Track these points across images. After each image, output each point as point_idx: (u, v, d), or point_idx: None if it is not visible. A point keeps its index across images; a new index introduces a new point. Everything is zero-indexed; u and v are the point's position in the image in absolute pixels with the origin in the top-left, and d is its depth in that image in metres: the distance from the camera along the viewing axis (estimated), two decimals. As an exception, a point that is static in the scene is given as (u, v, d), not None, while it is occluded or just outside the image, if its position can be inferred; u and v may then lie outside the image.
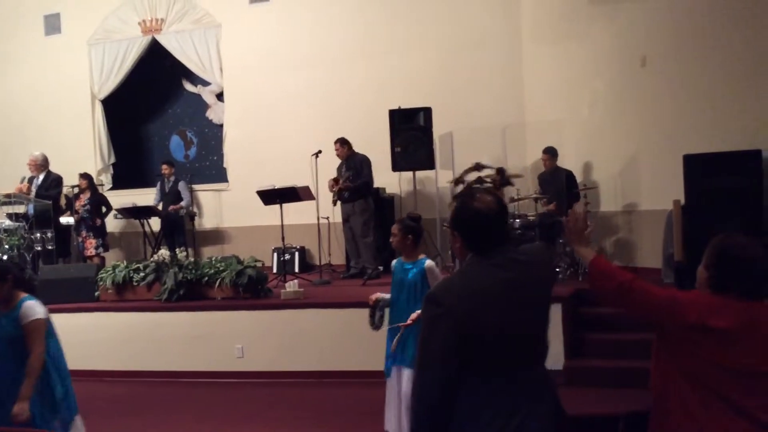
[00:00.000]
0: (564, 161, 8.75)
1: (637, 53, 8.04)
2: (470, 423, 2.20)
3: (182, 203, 10.27)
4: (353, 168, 8.70)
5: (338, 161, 8.86)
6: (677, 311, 2.51)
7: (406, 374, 4.35)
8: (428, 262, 4.51)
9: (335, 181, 8.68)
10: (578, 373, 6.13)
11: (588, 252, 2.72)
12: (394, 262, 4.72)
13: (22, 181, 9.35)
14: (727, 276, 2.52)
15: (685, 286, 5.56)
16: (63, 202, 10.18)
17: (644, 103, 8.01)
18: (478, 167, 2.91)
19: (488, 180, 2.56)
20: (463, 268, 2.33)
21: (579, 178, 8.77)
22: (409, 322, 4.25)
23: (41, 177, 9.22)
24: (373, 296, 4.66)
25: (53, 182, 9.21)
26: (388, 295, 4.63)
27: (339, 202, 8.76)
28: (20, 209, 8.89)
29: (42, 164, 9.25)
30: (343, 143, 8.85)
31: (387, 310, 4.65)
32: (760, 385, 2.45)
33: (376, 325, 4.64)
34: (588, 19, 8.71)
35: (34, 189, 9.08)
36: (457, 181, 2.84)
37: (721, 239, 2.60)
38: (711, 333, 2.45)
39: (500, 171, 2.63)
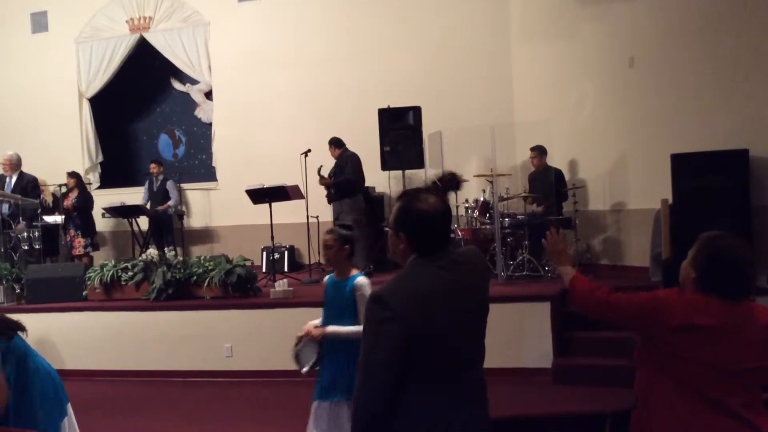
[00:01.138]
0: (552, 160, 8.78)
1: (626, 53, 8.08)
2: (411, 427, 2.15)
3: (170, 202, 10.23)
4: (338, 166, 8.69)
5: (329, 159, 8.85)
6: (662, 312, 2.52)
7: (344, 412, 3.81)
8: (361, 278, 3.95)
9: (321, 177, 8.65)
10: (566, 371, 6.16)
11: (568, 271, 2.76)
12: (325, 279, 4.21)
13: None
14: (718, 278, 2.53)
15: (672, 284, 5.59)
16: (50, 200, 10.13)
17: (632, 102, 8.05)
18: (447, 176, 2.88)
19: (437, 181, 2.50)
20: (408, 270, 2.26)
21: (567, 177, 8.81)
22: (314, 332, 3.89)
23: (14, 177, 9.15)
24: (306, 327, 4.04)
25: (29, 184, 9.15)
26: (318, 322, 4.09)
27: (336, 203, 8.72)
28: None
29: (17, 163, 9.20)
30: (332, 144, 8.84)
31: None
32: (742, 382, 2.48)
33: (301, 364, 4.06)
34: (576, 19, 8.75)
35: (8, 189, 9.00)
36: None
37: (710, 239, 2.60)
38: (696, 331, 2.46)
39: (452, 174, 2.58)
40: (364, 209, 8.83)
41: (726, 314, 2.48)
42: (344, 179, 8.60)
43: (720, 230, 2.66)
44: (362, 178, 8.85)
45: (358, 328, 3.41)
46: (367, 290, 3.85)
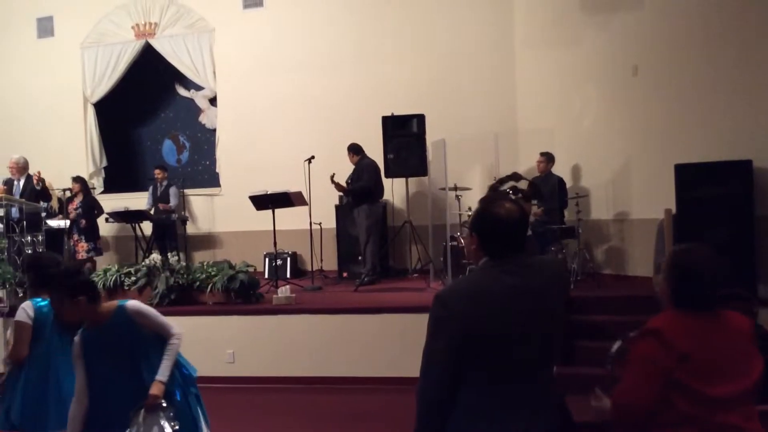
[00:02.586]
0: (555, 168, 8.78)
1: (629, 62, 8.10)
2: (467, 428, 2.23)
3: (169, 205, 10.21)
4: (356, 172, 8.76)
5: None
6: (655, 365, 2.48)
7: None
8: (129, 304, 3.53)
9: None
10: (570, 380, 6.13)
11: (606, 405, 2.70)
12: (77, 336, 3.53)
13: (5, 183, 9.33)
14: (691, 293, 2.54)
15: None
16: (56, 205, 10.15)
17: (636, 111, 8.06)
18: (516, 177, 2.95)
19: (518, 191, 2.59)
20: (475, 271, 2.38)
21: (570, 185, 8.81)
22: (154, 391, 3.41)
23: (22, 180, 9.18)
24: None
25: (39, 185, 9.16)
26: None
27: (355, 209, 8.80)
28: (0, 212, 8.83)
29: (24, 167, 9.23)
30: (350, 150, 8.95)
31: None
32: (740, 401, 2.48)
33: None
34: (580, 27, 8.76)
35: (16, 193, 9.03)
36: (493, 187, 2.88)
37: (678, 255, 2.61)
38: (686, 365, 2.47)
39: (532, 184, 2.66)
40: (381, 215, 8.87)
41: (705, 333, 2.49)
42: (359, 187, 8.67)
43: (690, 243, 2.67)
44: (380, 185, 8.91)
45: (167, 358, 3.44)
46: (144, 309, 3.53)
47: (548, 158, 8.69)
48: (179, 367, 3.76)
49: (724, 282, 2.57)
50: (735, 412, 2.45)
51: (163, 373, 3.48)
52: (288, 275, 9.71)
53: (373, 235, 8.67)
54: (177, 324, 3.66)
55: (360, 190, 8.70)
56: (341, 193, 9.05)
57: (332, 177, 8.61)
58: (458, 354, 2.20)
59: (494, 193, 2.56)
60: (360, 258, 8.91)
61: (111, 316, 3.46)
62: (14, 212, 8.61)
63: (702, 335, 2.49)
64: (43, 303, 3.82)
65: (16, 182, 9.21)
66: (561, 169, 8.85)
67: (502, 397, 2.23)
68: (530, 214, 5.72)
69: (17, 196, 8.93)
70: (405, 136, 8.93)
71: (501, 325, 2.22)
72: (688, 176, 6.85)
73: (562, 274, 2.55)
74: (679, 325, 2.51)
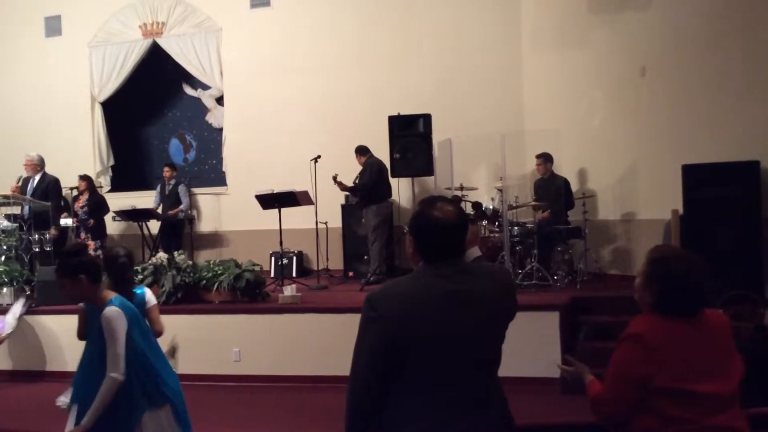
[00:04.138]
0: (562, 169, 8.77)
1: (637, 63, 8.08)
2: (403, 429, 2.19)
3: (181, 207, 10.29)
4: (362, 173, 8.78)
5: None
6: (633, 375, 2.49)
7: None
8: (107, 310, 3.42)
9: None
10: (575, 381, 6.12)
11: (587, 380, 2.76)
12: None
13: (18, 181, 9.36)
14: (674, 299, 2.52)
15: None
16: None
17: (643, 112, 8.04)
18: (457, 200, 2.89)
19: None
20: (410, 275, 2.30)
21: (577, 186, 8.80)
22: None
23: (36, 178, 9.22)
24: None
25: (51, 185, 9.20)
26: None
27: (364, 208, 8.85)
28: (17, 210, 8.88)
29: (39, 165, 9.27)
30: (357, 152, 8.99)
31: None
32: (726, 401, 2.48)
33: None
34: (588, 27, 8.75)
35: (30, 190, 9.08)
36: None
37: (659, 261, 2.58)
38: (666, 372, 2.46)
39: (477, 205, 2.61)
40: (386, 217, 8.88)
41: (687, 335, 2.49)
42: (361, 185, 8.76)
43: (666, 246, 2.65)
44: (385, 184, 8.93)
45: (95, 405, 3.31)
46: (112, 327, 3.39)
47: (546, 159, 8.67)
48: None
49: (708, 287, 2.54)
50: (723, 413, 2.45)
51: (88, 419, 3.30)
52: (294, 274, 9.73)
53: (380, 235, 8.69)
54: (121, 370, 3.38)
55: (361, 188, 8.71)
56: (344, 192, 9.06)
57: (334, 177, 8.62)
58: (386, 356, 2.16)
59: (435, 195, 2.49)
60: (366, 257, 8.93)
61: (102, 305, 3.46)
62: (27, 210, 8.67)
63: (684, 338, 2.48)
64: None
65: (30, 180, 9.24)
66: (568, 170, 8.84)
67: (436, 400, 2.18)
68: (478, 235, 5.64)
69: (30, 194, 8.98)
70: (411, 136, 8.93)
71: (431, 328, 2.16)
72: (695, 177, 6.83)
73: (507, 282, 2.44)
74: (661, 329, 2.49)
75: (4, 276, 7.82)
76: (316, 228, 8.91)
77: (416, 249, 2.28)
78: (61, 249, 3.91)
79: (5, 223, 8.51)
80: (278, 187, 8.53)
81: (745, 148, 6.83)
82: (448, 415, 2.18)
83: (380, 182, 8.82)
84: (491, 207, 8.26)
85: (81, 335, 3.88)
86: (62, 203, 9.87)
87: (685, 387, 2.43)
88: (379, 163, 8.87)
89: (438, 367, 2.18)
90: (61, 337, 7.38)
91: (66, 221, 9.74)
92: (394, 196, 9.52)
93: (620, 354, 2.55)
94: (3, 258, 8.09)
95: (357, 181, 8.85)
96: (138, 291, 4.25)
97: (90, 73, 11.55)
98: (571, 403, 5.77)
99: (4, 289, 7.83)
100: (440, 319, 2.17)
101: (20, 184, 9.28)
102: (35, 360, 7.54)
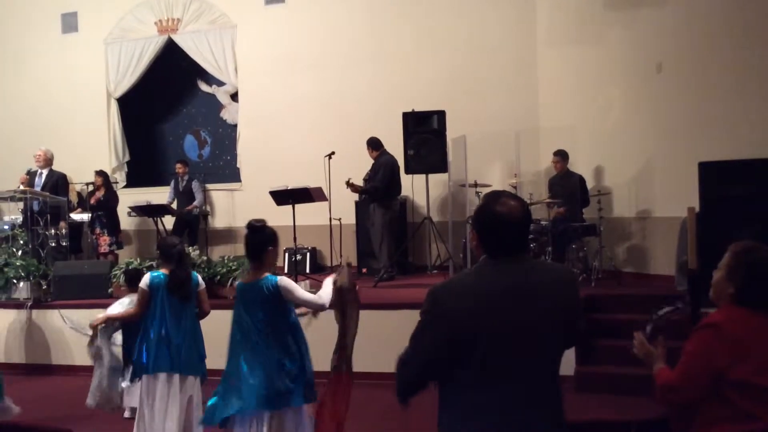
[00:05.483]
0: (577, 166, 8.73)
1: (653, 59, 8.01)
2: (460, 427, 2.20)
3: (195, 203, 10.34)
4: (374, 169, 8.77)
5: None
6: (713, 363, 2.48)
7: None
8: (279, 279, 4.26)
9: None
10: (589, 379, 6.11)
11: (656, 368, 2.71)
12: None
13: (28, 173, 9.44)
14: (760, 291, 2.51)
15: (698, 294, 5.53)
16: (75, 199, 10.25)
17: (659, 109, 7.98)
18: None
19: None
20: (473, 268, 2.32)
21: (593, 184, 8.76)
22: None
23: (45, 173, 9.29)
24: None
25: (59, 181, 9.27)
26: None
27: (371, 204, 8.86)
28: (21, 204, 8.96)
29: (49, 159, 9.34)
30: (369, 145, 8.97)
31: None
32: None
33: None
34: (603, 24, 8.69)
35: (39, 185, 9.14)
36: None
37: (747, 252, 2.58)
38: (745, 363, 2.45)
39: None
40: (395, 215, 8.86)
41: (765, 329, 2.48)
42: (372, 187, 8.71)
43: (750, 240, 2.63)
44: (396, 183, 8.93)
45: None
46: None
47: (562, 156, 8.63)
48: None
49: None
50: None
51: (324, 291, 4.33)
52: (308, 270, 9.74)
53: (388, 233, 8.68)
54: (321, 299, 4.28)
55: (373, 190, 8.72)
56: (357, 193, 9.06)
57: (347, 182, 8.64)
58: (443, 351, 2.18)
59: (498, 190, 2.48)
60: (375, 255, 8.92)
61: (254, 279, 4.22)
62: (35, 205, 8.71)
63: (762, 331, 2.47)
64: (156, 274, 4.65)
65: (38, 174, 9.31)
66: (583, 167, 8.79)
67: (493, 397, 2.18)
68: None
69: (39, 188, 9.04)
70: (425, 133, 8.89)
71: (495, 323, 2.16)
72: (712, 174, 6.75)
73: (569, 278, 2.43)
74: (739, 321, 2.49)
75: (20, 270, 7.89)
76: (330, 224, 8.92)
77: (480, 243, 2.30)
78: (250, 223, 4.42)
79: (20, 219, 8.59)
80: (292, 184, 8.52)
81: (763, 145, 6.75)
82: (510, 410, 2.19)
83: (392, 182, 8.82)
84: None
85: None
86: (76, 199, 9.96)
87: (762, 380, 2.41)
88: (392, 162, 8.84)
89: (501, 361, 2.18)
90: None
91: (81, 216, 9.82)
92: (408, 193, 9.51)
93: (696, 343, 2.54)
94: (20, 252, 8.16)
95: (367, 178, 8.81)
96: (192, 274, 4.89)
97: (106, 69, 11.62)
98: (585, 401, 5.76)
99: (21, 284, 7.90)
100: (504, 315, 2.18)
101: (27, 177, 9.34)
102: (45, 354, 7.62)
